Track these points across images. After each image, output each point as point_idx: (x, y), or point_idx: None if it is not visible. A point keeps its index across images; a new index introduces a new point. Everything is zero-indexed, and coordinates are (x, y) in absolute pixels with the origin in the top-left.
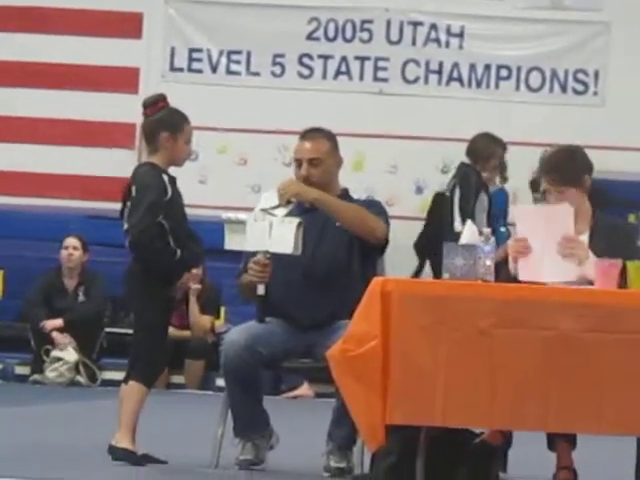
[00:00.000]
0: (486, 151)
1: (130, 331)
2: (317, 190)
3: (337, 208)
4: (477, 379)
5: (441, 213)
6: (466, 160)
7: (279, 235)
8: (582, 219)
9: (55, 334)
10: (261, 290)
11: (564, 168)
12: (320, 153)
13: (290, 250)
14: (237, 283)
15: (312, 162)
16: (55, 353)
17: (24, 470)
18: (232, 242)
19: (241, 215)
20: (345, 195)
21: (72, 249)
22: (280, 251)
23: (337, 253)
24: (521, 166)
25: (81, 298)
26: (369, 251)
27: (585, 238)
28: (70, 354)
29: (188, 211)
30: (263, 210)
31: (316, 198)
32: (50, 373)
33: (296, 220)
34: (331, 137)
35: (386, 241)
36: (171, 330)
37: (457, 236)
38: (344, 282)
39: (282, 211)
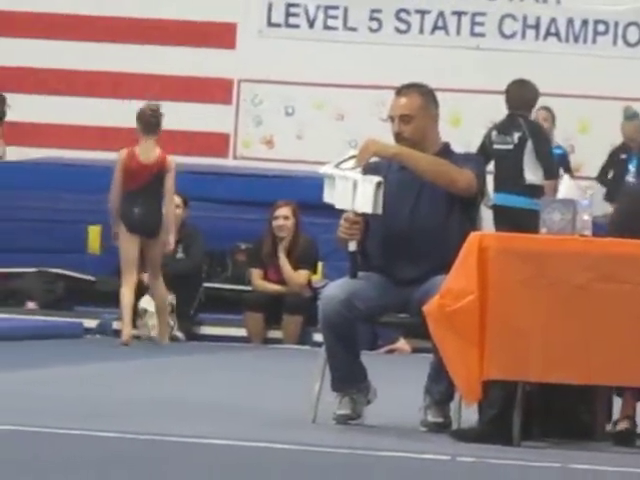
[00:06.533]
0: (535, 99)
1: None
2: (396, 146)
3: (416, 162)
4: (575, 335)
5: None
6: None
7: (360, 194)
8: None
9: None
10: (352, 247)
11: None
12: (411, 110)
13: (370, 210)
14: (336, 237)
15: (403, 118)
16: (143, 305)
17: (125, 425)
18: (328, 196)
19: (338, 171)
20: (446, 150)
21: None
22: (361, 211)
23: (436, 208)
24: (617, 120)
25: (180, 254)
26: (467, 205)
27: None
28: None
29: (285, 166)
30: (336, 164)
31: (394, 153)
32: (144, 328)
33: (375, 179)
34: (426, 92)
35: (476, 193)
36: (268, 285)
37: (531, 188)
38: (442, 237)
39: (349, 165)
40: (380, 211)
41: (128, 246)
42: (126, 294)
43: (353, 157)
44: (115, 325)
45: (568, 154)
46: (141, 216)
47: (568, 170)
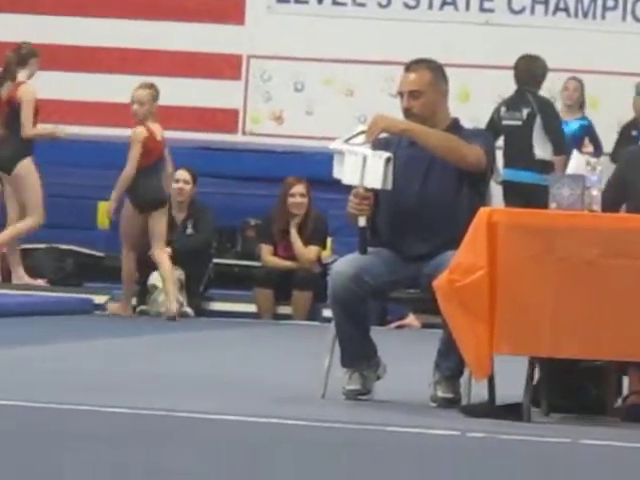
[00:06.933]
0: (544, 75)
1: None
2: (405, 121)
3: (426, 138)
4: (584, 310)
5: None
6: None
7: (370, 170)
8: None
9: None
10: (362, 222)
11: None
12: (420, 85)
13: (379, 185)
14: (346, 213)
15: (412, 94)
16: (152, 281)
17: (134, 401)
18: (338, 171)
19: (348, 146)
20: (455, 125)
21: (183, 183)
22: (370, 186)
23: (445, 184)
24: (626, 96)
25: (189, 231)
26: (476, 181)
27: None
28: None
29: (294, 142)
30: (345, 140)
31: (404, 129)
32: (153, 304)
33: (385, 155)
34: (435, 68)
35: (486, 169)
36: (277, 261)
37: (540, 163)
38: (452, 213)
39: (358, 140)
40: (390, 187)
41: (134, 223)
42: (132, 270)
43: (362, 133)
44: None
45: (593, 125)
46: (147, 192)
47: (595, 140)
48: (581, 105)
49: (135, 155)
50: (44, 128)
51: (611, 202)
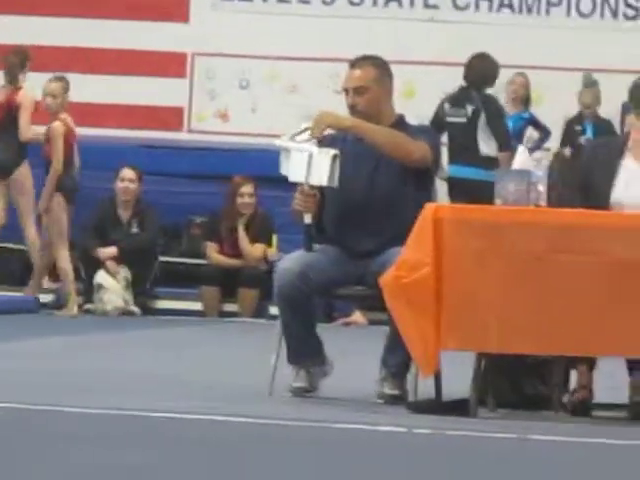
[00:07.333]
0: (496, 71)
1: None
2: (350, 118)
3: (372, 134)
4: (531, 305)
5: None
6: (464, 83)
7: (316, 167)
8: None
9: (109, 263)
10: (307, 219)
11: None
12: (365, 81)
13: (326, 182)
14: (291, 210)
15: (358, 90)
16: (98, 280)
17: (79, 401)
18: (284, 168)
19: (294, 143)
20: (400, 122)
21: (128, 182)
22: (316, 183)
23: (392, 180)
24: (570, 91)
25: (134, 229)
26: (422, 177)
27: None
28: (112, 283)
29: (240, 139)
30: (291, 137)
31: (349, 126)
32: (99, 303)
33: (332, 151)
34: (380, 64)
35: (431, 165)
36: (223, 259)
37: (485, 159)
38: (398, 209)
39: (304, 137)
40: (336, 184)
41: (64, 216)
42: (69, 267)
43: (308, 129)
44: None
45: (535, 116)
46: (71, 183)
47: (539, 127)
48: (526, 101)
49: (59, 150)
50: (37, 132)
51: (571, 199)
